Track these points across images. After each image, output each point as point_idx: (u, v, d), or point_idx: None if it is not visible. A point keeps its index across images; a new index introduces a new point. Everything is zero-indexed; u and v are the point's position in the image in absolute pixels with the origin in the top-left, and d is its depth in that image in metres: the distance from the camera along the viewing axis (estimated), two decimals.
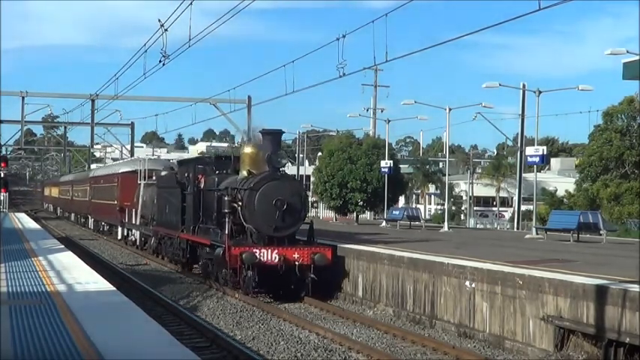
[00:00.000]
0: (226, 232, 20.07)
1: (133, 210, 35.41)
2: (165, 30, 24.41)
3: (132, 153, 57.16)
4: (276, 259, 19.59)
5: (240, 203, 20.35)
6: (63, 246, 26.53)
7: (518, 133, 46.96)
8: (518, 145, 45.45)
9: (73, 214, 63.86)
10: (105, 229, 46.06)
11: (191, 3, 21.30)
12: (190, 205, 24.42)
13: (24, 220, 45.84)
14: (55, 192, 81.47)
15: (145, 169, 34.38)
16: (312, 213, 51.16)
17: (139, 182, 34.48)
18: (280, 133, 21.65)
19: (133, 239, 35.99)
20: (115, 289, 15.28)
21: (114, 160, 76.62)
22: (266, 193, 20.24)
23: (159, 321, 12.73)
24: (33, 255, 21.63)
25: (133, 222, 35.52)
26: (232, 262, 19.55)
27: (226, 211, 20.37)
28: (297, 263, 19.70)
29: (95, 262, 27.07)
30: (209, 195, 23.14)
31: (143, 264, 30.05)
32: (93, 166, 77.43)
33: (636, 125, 55.37)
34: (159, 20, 24.43)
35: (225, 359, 13.23)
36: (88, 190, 52.66)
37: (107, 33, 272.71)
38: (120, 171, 40.86)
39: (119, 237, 39.67)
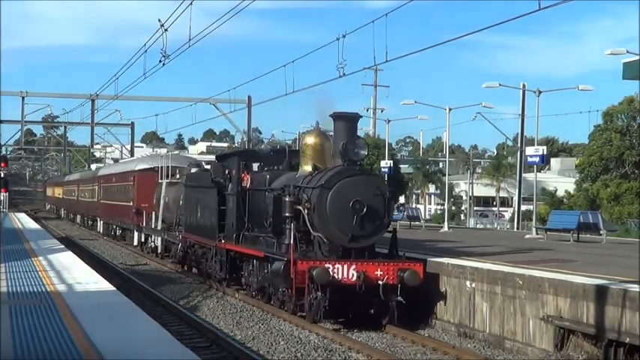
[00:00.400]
0: (291, 241, 16.02)
1: (153, 213, 31.29)
2: (166, 30, 24.47)
3: (132, 153, 57.28)
4: (354, 277, 15.57)
5: (307, 205, 16.29)
6: (63, 246, 26.55)
7: (518, 133, 47.00)
8: (518, 145, 45.48)
9: (79, 216, 59.72)
10: (117, 233, 41.53)
11: (191, 3, 21.34)
12: (232, 209, 20.06)
13: (24, 220, 45.85)
14: (58, 192, 76.96)
15: (167, 167, 30.21)
16: None
17: (159, 181, 30.59)
18: (357, 117, 17.52)
19: (153, 246, 31.52)
20: (115, 289, 15.30)
21: (114, 160, 76.60)
22: (341, 192, 16.13)
23: (159, 321, 12.74)
24: (33, 255, 21.63)
25: (153, 226, 31.11)
26: (298, 280, 15.52)
27: (288, 214, 16.42)
28: (380, 282, 15.66)
29: (95, 262, 27.06)
30: (258, 196, 19.17)
31: (143, 264, 30.05)
32: (93, 166, 77.32)
33: (636, 125, 55.42)
34: (159, 20, 24.52)
35: (225, 359, 13.23)
36: (97, 189, 48.50)
37: (107, 33, 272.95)
38: (136, 168, 36.47)
39: (135, 243, 35.18)
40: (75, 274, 17.20)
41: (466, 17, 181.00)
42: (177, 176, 29.28)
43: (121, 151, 68.36)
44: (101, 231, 46.28)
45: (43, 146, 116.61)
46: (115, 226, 42.10)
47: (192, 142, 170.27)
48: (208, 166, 26.66)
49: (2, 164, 50.10)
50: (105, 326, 10.61)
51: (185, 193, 25.36)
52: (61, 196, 74.16)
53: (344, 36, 21.28)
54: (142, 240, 33.79)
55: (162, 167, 30.42)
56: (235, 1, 20.26)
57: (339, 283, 15.56)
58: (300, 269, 15.50)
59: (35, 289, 14.35)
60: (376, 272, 15.77)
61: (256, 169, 20.46)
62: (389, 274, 15.80)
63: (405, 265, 16.10)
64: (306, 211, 16.29)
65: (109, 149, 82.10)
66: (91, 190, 51.33)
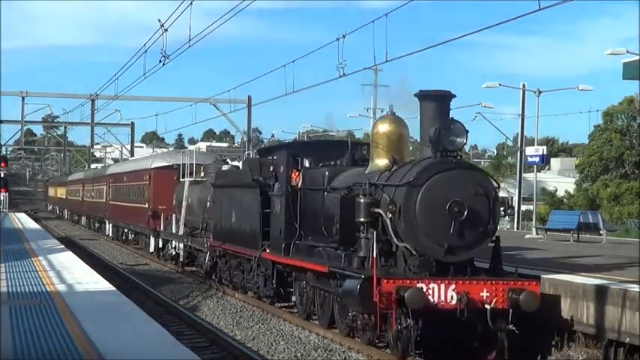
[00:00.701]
0: (373, 254, 12.53)
1: (173, 215, 28.11)
2: (166, 30, 24.51)
3: (132, 153, 57.23)
4: (454, 300, 12.31)
5: (391, 208, 12.87)
6: (63, 246, 26.58)
7: (518, 133, 46.99)
8: (518, 145, 45.50)
9: (84, 218, 56.23)
10: (129, 237, 37.88)
11: (191, 3, 21.37)
12: (280, 213, 16.92)
13: (24, 220, 45.87)
14: (61, 192, 73.10)
15: (192, 164, 26.89)
16: None
17: (180, 180, 27.44)
18: (450, 96, 13.77)
19: (173, 253, 27.90)
20: (115, 289, 15.33)
21: (114, 160, 76.59)
22: (434, 191, 12.80)
23: (159, 321, 12.76)
24: (33, 255, 21.65)
25: (174, 231, 27.69)
26: (383, 304, 12.15)
27: (363, 220, 13.16)
28: (487, 307, 12.36)
29: (95, 262, 27.07)
30: (314, 197, 16.01)
31: (143, 264, 30.04)
32: (93, 165, 77.27)
33: (636, 125, 55.50)
34: (159, 20, 24.56)
35: (225, 359, 13.24)
36: (105, 189, 44.93)
37: (107, 33, 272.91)
38: (152, 166, 32.81)
39: (151, 249, 31.39)
40: (75, 274, 17.22)
41: (466, 17, 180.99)
42: (202, 174, 26.41)
43: (121, 151, 68.37)
44: (110, 234, 43.13)
45: (43, 146, 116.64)
46: (126, 230, 38.62)
47: (192, 142, 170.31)
48: (233, 163, 24.26)
49: (2, 164, 50.13)
50: (105, 326, 10.63)
51: (215, 193, 22.16)
52: (64, 197, 70.95)
53: (344, 36, 21.30)
54: (160, 246, 30.25)
55: (184, 165, 27.18)
56: (235, 1, 20.31)
57: (434, 307, 12.30)
58: (386, 290, 12.14)
59: (35, 289, 14.37)
60: (481, 294, 12.44)
61: (307, 165, 17.43)
62: (498, 296, 12.47)
63: (517, 284, 12.69)
64: (389, 215, 12.89)
65: (109, 149, 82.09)
66: (98, 190, 48.35)
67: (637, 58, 26.42)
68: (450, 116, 13.56)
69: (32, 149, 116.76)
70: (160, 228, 29.98)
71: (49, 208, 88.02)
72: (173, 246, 28.03)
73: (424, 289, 12.19)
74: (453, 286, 12.37)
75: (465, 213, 12.62)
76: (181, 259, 26.65)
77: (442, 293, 12.34)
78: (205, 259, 22.83)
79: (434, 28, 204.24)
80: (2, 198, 57.61)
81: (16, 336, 9.79)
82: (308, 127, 67.27)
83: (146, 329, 10.66)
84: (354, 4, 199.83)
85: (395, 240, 12.90)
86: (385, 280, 12.20)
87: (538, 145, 33.93)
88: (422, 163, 13.18)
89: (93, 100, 47.98)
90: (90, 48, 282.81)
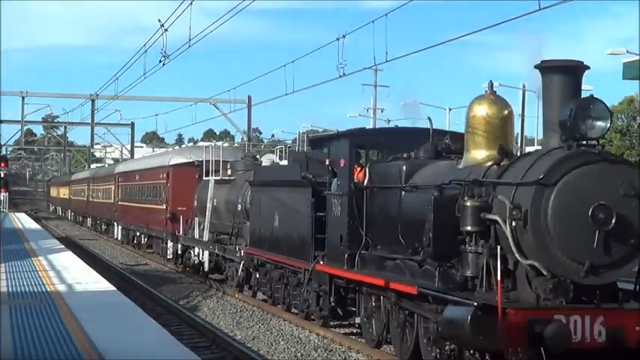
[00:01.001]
0: (498, 276, 9.42)
1: (195, 219, 25.03)
2: (166, 30, 24.58)
3: (132, 153, 57.30)
4: (602, 337, 9.40)
5: (515, 213, 9.73)
6: (63, 246, 26.62)
7: (518, 134, 47.09)
8: (518, 145, 45.56)
9: (89, 219, 53.37)
10: (142, 241, 34.42)
11: (191, 3, 21.42)
12: (342, 216, 13.95)
13: (24, 220, 45.90)
14: (64, 192, 69.92)
15: (217, 161, 23.54)
16: None
17: (204, 178, 24.28)
18: (584, 67, 10.40)
19: (196, 261, 24.41)
20: (115, 289, 15.35)
21: (114, 160, 76.62)
22: (572, 192, 9.73)
23: (159, 321, 12.78)
24: (33, 255, 21.68)
25: (196, 236, 24.53)
26: (512, 340, 9.19)
27: (470, 229, 10.18)
28: None
29: (95, 262, 27.07)
30: (387, 196, 13.00)
31: (143, 264, 30.04)
32: (93, 165, 77.29)
33: (636, 125, 55.50)
34: (159, 20, 24.62)
35: (225, 359, 13.25)
36: (113, 189, 41.79)
37: (107, 33, 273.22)
38: (170, 163, 29.38)
39: (169, 255, 28.13)
40: (75, 274, 17.24)
41: (466, 17, 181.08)
42: (229, 172, 23.43)
43: (121, 151, 68.42)
44: (119, 237, 39.79)
45: (43, 146, 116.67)
46: (138, 233, 35.08)
47: (192, 142, 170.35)
48: (266, 162, 21.88)
49: (2, 164, 50.15)
50: (105, 326, 10.64)
51: (252, 193, 19.27)
52: (67, 197, 67.05)
53: (344, 36, 21.34)
54: (179, 252, 26.87)
55: (208, 161, 23.87)
56: (235, 1, 20.32)
57: (578, 346, 9.33)
58: (515, 323, 9.17)
59: (35, 289, 14.39)
60: (638, 328, 9.46)
61: (374, 159, 14.91)
62: None
63: None
64: (513, 223, 9.78)
65: (109, 149, 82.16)
66: (106, 190, 45.09)
67: (637, 58, 26.47)
68: (590, 94, 10.47)
69: (32, 149, 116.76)
70: (178, 232, 26.85)
71: (51, 208, 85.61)
72: (196, 253, 24.62)
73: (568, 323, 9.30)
74: (600, 319, 9.43)
75: (613, 221, 9.62)
76: (206, 268, 23.39)
77: (587, 328, 9.40)
78: (238, 270, 20.09)
79: (434, 28, 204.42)
80: (2, 198, 57.62)
81: (16, 336, 9.80)
82: (308, 127, 67.24)
83: (146, 329, 10.68)
84: (354, 4, 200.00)
85: (517, 255, 9.76)
86: (512, 311, 9.21)
87: (538, 145, 33.90)
88: (553, 155, 10.01)
89: (93, 100, 48.16)
90: (90, 48, 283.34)
